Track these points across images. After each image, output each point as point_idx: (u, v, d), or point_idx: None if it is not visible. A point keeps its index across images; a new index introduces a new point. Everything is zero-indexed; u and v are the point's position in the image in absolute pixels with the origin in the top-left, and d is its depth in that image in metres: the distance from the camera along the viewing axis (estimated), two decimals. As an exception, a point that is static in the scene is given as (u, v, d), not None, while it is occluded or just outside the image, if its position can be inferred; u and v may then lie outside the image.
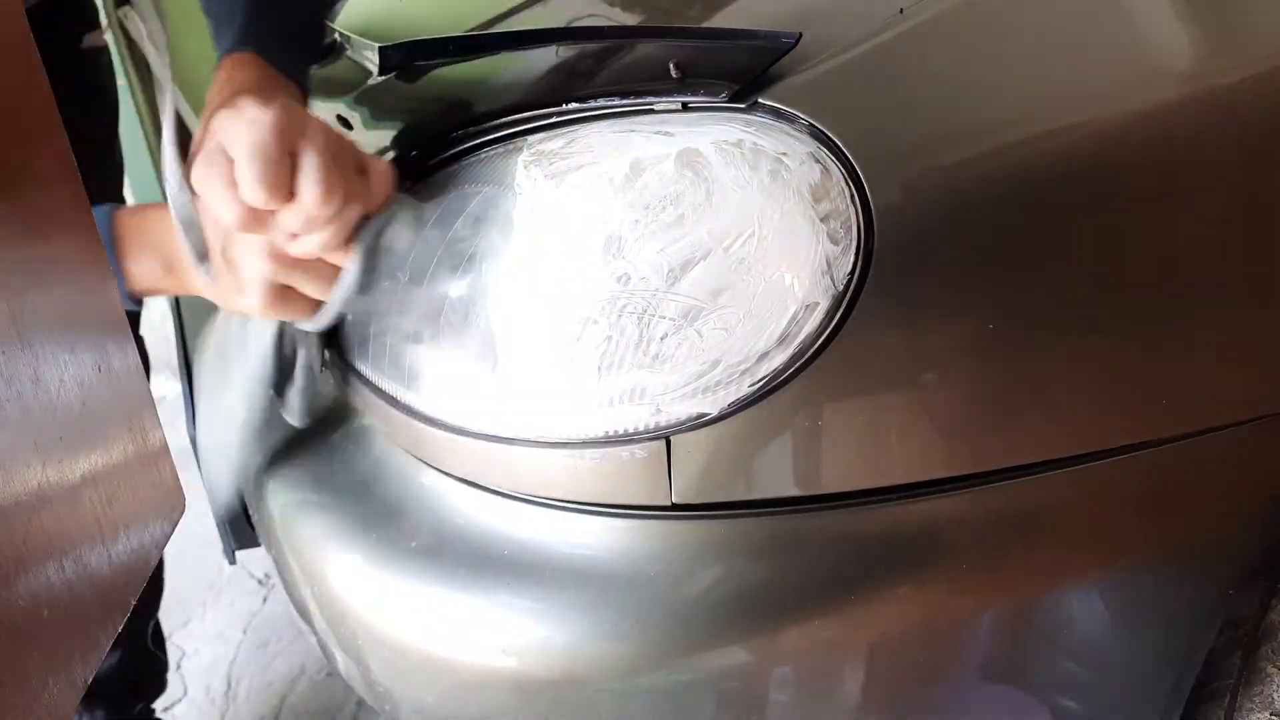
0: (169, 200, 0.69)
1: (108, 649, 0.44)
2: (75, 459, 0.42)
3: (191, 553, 1.53)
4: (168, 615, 1.70)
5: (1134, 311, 0.67)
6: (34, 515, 0.39)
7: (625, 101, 0.68)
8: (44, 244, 0.43)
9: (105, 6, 1.44)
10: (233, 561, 1.04)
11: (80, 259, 0.46)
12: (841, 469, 0.66)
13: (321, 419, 0.87)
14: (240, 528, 1.00)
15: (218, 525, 1.01)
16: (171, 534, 0.51)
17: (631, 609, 0.67)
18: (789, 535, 0.67)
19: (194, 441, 0.95)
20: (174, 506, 0.52)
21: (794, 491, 0.66)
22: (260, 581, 1.74)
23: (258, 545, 1.00)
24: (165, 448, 0.52)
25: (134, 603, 0.47)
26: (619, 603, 0.67)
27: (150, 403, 0.50)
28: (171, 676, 1.60)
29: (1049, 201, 0.64)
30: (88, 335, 0.45)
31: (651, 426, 0.65)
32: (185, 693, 1.57)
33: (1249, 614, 0.75)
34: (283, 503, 0.84)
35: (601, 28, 0.81)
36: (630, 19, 0.86)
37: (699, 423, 0.64)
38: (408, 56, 0.87)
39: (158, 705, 1.53)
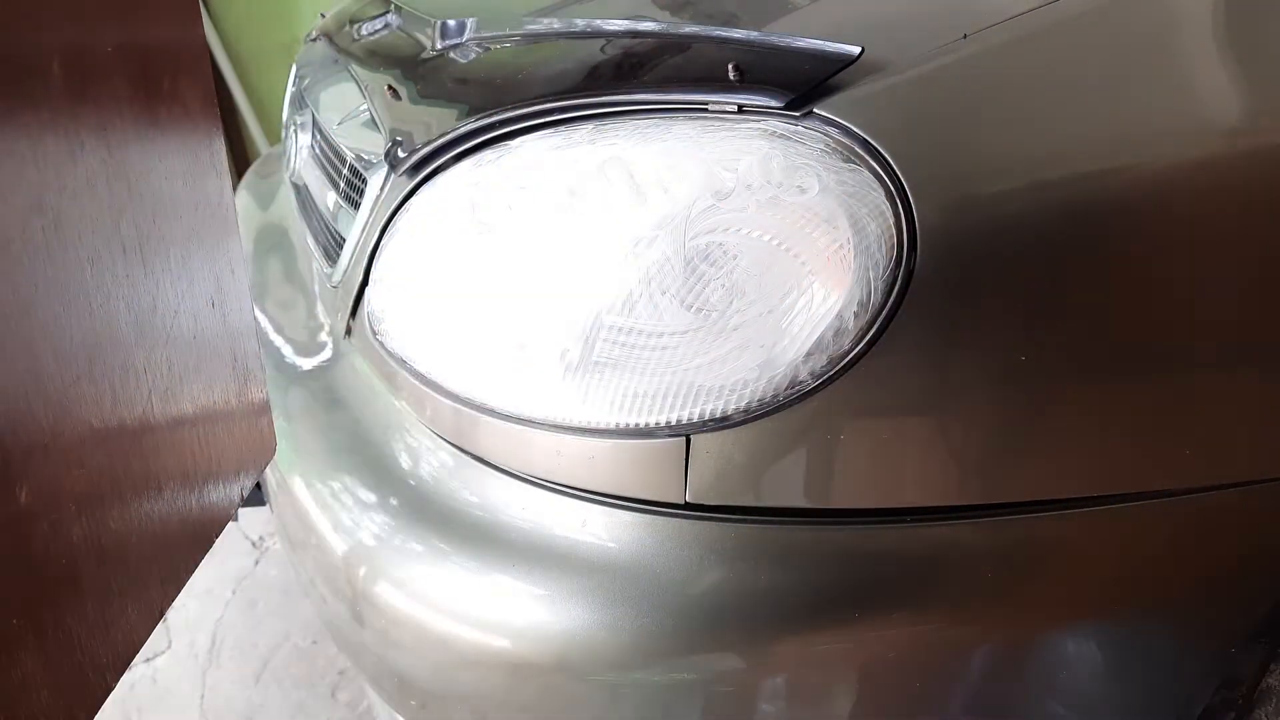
0: None
1: (186, 583, 0.44)
2: (180, 390, 0.42)
3: (189, 507, 1.52)
4: (159, 567, 1.70)
5: (1165, 360, 0.67)
6: (137, 441, 0.39)
7: (681, 98, 0.68)
8: (178, 178, 0.43)
9: None
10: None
11: (209, 197, 0.46)
12: (855, 486, 0.66)
13: (342, 385, 0.87)
14: (246, 485, 1.00)
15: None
16: (256, 481, 0.51)
17: (631, 603, 0.67)
18: (796, 546, 0.67)
19: None
20: (264, 454, 0.52)
21: (806, 503, 0.66)
22: (254, 544, 1.74)
23: (262, 504, 1.00)
24: (265, 393, 0.51)
25: (216, 540, 0.47)
26: (619, 595, 0.67)
27: (255, 347, 0.50)
28: (157, 629, 1.59)
29: (1093, 241, 0.63)
30: (205, 271, 0.45)
31: (673, 422, 0.65)
32: (169, 645, 1.57)
33: (1247, 675, 0.75)
34: (294, 460, 0.84)
35: (665, 26, 0.81)
36: (680, 18, 0.86)
37: (720, 424, 0.64)
38: (465, 33, 0.87)
39: (141, 655, 1.53)
